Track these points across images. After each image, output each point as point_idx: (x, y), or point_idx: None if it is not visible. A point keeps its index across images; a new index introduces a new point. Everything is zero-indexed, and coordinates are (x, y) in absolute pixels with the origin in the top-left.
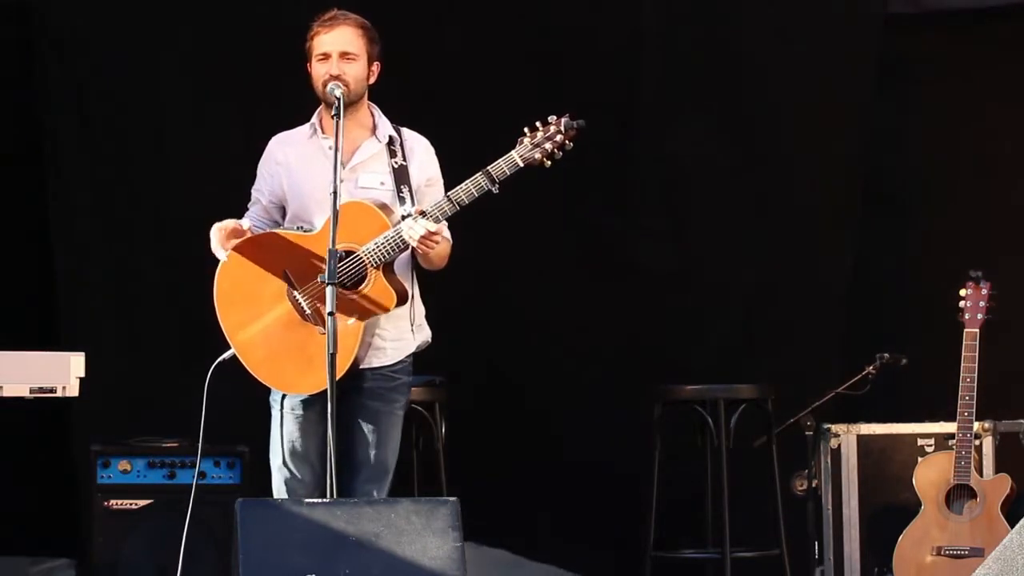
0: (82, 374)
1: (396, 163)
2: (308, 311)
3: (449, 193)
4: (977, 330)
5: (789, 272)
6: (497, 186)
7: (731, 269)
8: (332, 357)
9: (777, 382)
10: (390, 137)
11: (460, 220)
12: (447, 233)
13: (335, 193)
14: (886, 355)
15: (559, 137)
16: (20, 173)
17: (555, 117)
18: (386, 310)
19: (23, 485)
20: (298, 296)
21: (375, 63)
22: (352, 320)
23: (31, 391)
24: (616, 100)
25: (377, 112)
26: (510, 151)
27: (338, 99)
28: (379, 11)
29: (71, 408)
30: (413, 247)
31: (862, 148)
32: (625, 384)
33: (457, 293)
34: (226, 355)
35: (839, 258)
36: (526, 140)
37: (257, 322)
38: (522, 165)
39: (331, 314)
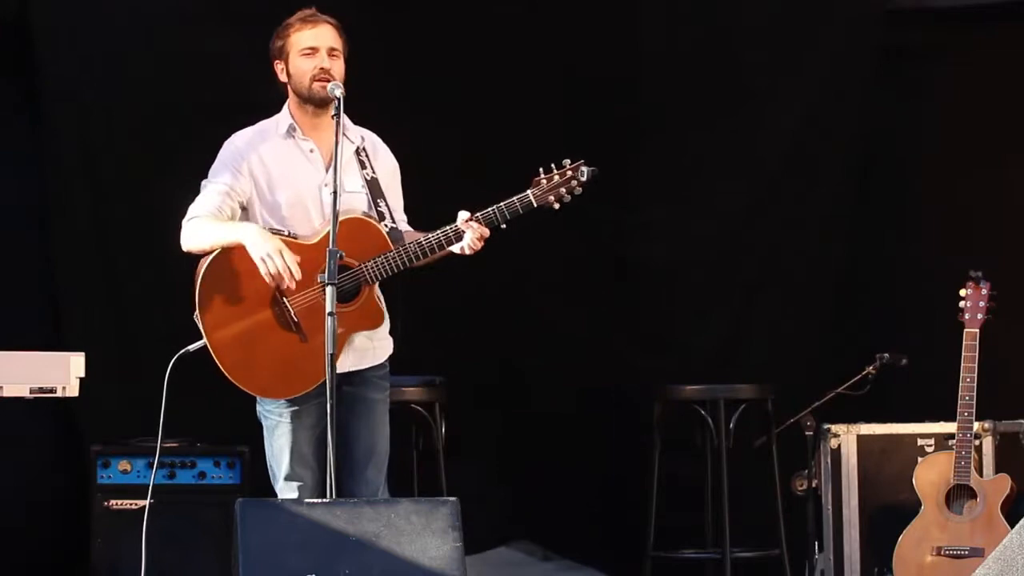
0: (82, 374)
1: (368, 175)
2: (295, 319)
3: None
4: (977, 330)
5: (789, 272)
6: (505, 224)
7: (730, 268)
8: (332, 358)
9: (777, 382)
10: (361, 137)
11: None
12: None
13: (335, 193)
14: (886, 355)
15: (574, 183)
16: (20, 173)
17: (569, 162)
18: (374, 327)
19: (23, 485)
20: (286, 303)
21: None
22: (339, 331)
23: (31, 391)
24: (616, 96)
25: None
26: (525, 191)
27: (338, 98)
28: (380, 11)
29: (71, 408)
30: (463, 245)
31: (861, 146)
32: (625, 384)
33: (456, 293)
34: (193, 347)
35: (839, 258)
36: (543, 182)
37: (237, 323)
38: (536, 207)
39: (331, 314)
